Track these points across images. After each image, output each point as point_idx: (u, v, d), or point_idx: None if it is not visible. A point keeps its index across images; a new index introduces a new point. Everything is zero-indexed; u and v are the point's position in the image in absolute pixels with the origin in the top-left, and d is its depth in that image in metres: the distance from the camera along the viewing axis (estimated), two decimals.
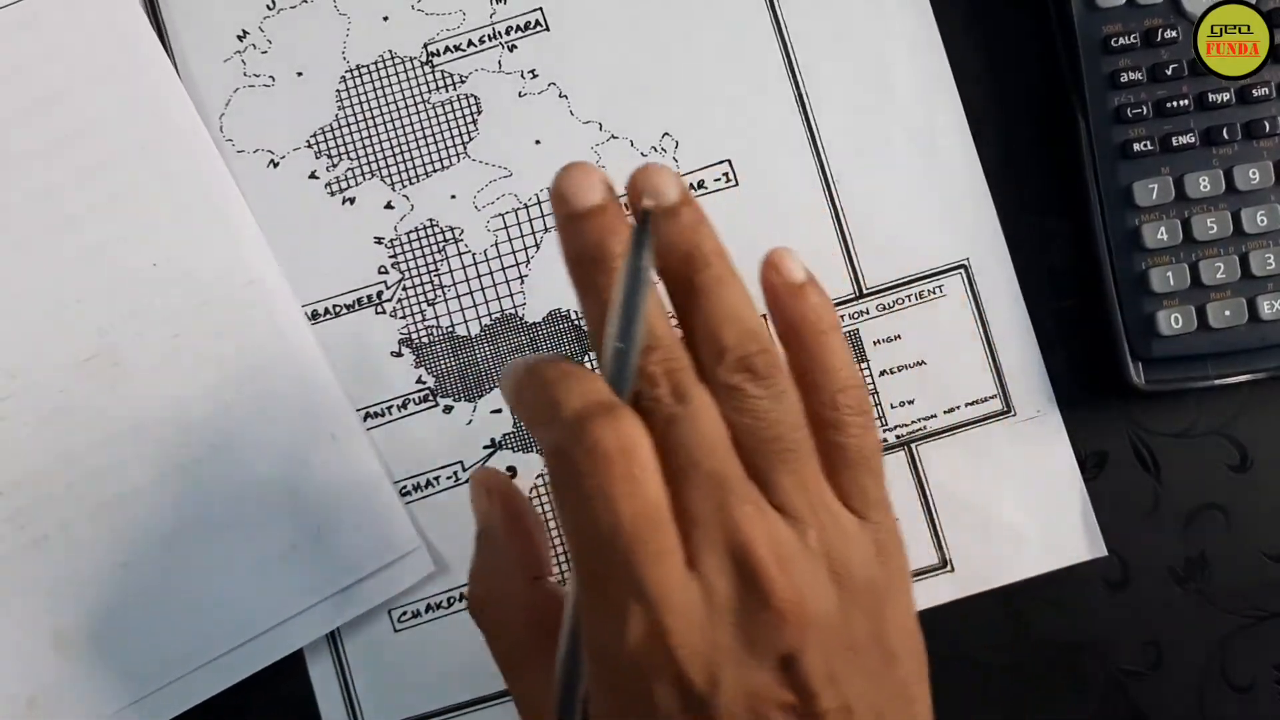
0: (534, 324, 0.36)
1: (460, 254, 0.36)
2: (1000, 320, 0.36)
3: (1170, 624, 0.36)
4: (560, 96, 0.36)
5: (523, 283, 0.36)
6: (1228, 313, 0.34)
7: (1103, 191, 0.35)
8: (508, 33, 0.36)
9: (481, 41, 0.36)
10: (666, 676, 0.25)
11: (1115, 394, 0.36)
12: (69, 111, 0.35)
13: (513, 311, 0.36)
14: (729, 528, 0.25)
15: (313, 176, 0.36)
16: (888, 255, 0.36)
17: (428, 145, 0.36)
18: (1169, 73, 0.34)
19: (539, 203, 0.36)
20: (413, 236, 0.36)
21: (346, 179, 0.36)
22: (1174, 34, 0.34)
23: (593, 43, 0.36)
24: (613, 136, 0.36)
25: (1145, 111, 0.35)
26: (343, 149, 0.36)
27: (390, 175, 0.36)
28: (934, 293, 0.36)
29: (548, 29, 0.36)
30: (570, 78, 0.36)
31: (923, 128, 0.36)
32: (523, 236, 0.36)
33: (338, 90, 0.36)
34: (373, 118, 0.36)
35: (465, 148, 0.36)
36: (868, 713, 0.27)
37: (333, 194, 0.36)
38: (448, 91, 0.36)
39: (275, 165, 0.36)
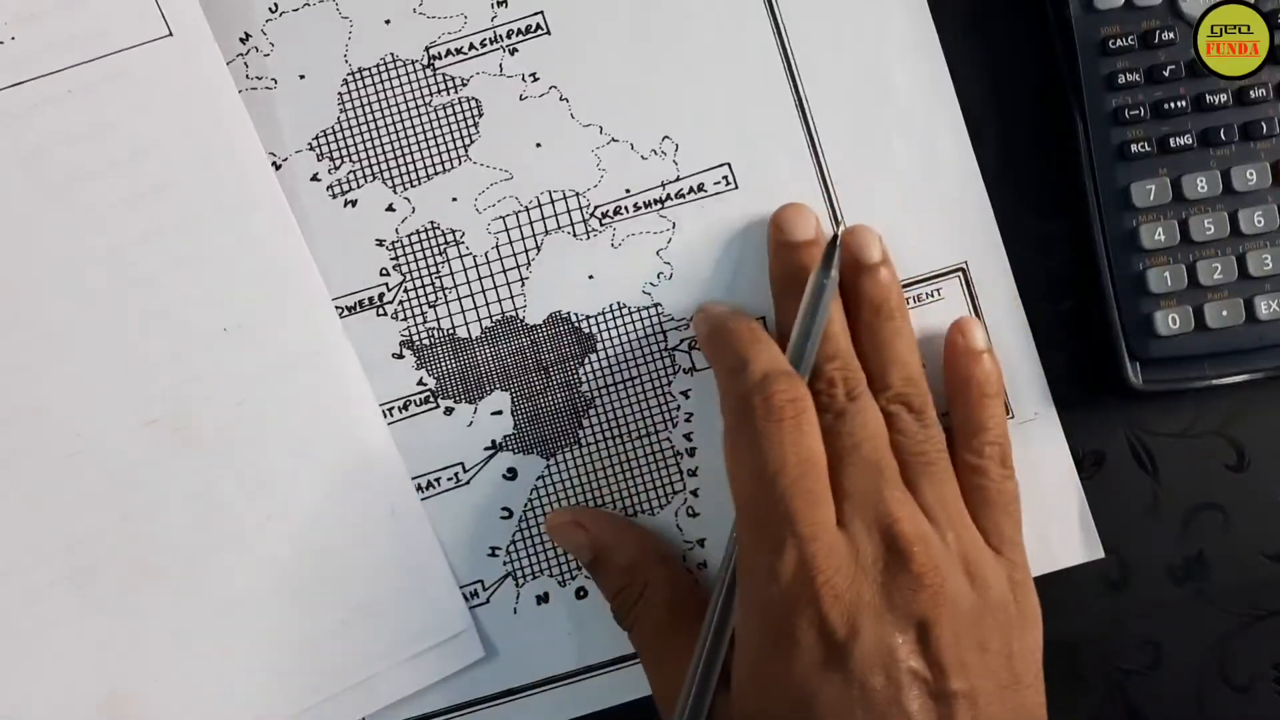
0: (534, 326, 0.36)
1: (461, 256, 0.36)
2: (998, 321, 0.36)
3: (1169, 624, 0.36)
4: (561, 100, 0.36)
5: (523, 285, 0.36)
6: (1225, 313, 0.35)
7: (1100, 193, 0.35)
8: (509, 36, 0.36)
9: (483, 45, 0.36)
10: (810, 615, 0.28)
11: (1113, 394, 0.36)
12: (148, 168, 0.35)
13: (513, 314, 0.36)
14: (879, 504, 0.29)
15: (314, 179, 0.36)
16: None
17: (429, 148, 0.36)
18: (1166, 74, 0.34)
19: (539, 205, 0.36)
20: (414, 239, 0.36)
21: (348, 182, 0.36)
22: (1171, 36, 0.34)
23: (593, 46, 0.36)
24: (613, 139, 0.36)
25: (1143, 113, 0.35)
26: (344, 152, 0.36)
27: (391, 178, 0.36)
28: (932, 296, 0.36)
29: (549, 32, 0.36)
30: (571, 81, 0.36)
31: (921, 131, 0.36)
32: (523, 239, 0.36)
33: (339, 93, 0.36)
34: (374, 120, 0.36)
35: (466, 150, 0.36)
36: (992, 717, 0.29)
37: (334, 196, 0.36)
38: (449, 94, 0.36)
39: (277, 168, 0.36)
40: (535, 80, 0.36)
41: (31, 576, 0.34)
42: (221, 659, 0.34)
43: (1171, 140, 0.35)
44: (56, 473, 0.34)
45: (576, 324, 0.36)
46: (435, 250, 0.36)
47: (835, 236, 0.33)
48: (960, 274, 0.36)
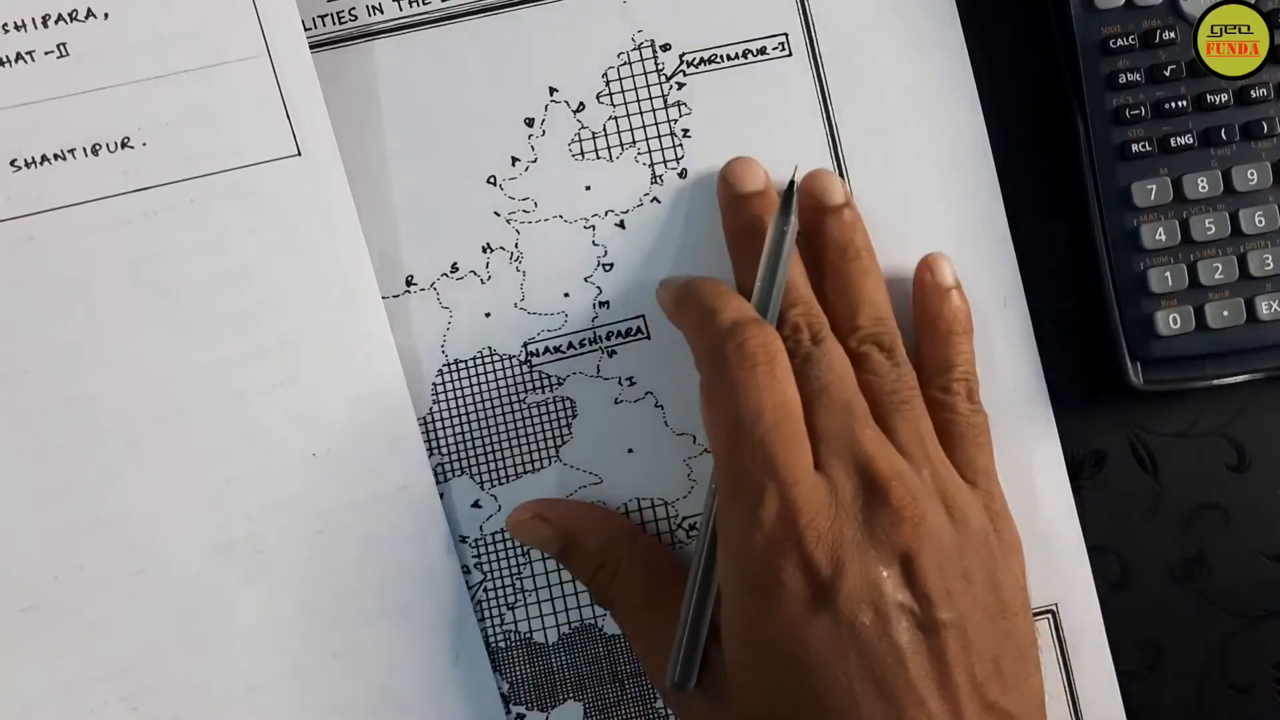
0: (612, 636, 0.36)
1: (544, 558, 0.36)
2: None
3: (1169, 624, 0.36)
4: (656, 406, 0.36)
5: None
6: (1226, 313, 0.35)
7: (1101, 192, 0.35)
8: (608, 338, 0.36)
9: (582, 345, 0.36)
10: (795, 557, 0.28)
11: (1114, 394, 0.36)
12: (257, 286, 0.34)
13: (592, 622, 0.36)
14: (853, 443, 0.29)
15: None
16: None
17: (520, 446, 0.36)
18: (1167, 74, 0.35)
19: (627, 513, 0.36)
20: (498, 537, 0.36)
21: (436, 474, 0.36)
22: (1172, 35, 0.34)
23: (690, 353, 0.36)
24: (705, 450, 0.36)
25: (1144, 112, 0.35)
26: (435, 443, 0.36)
27: (480, 474, 0.36)
28: None
29: (649, 337, 0.36)
30: (667, 387, 0.36)
31: None
32: None
33: (434, 383, 0.36)
34: (467, 414, 0.36)
35: (557, 451, 0.36)
36: (983, 646, 0.29)
37: None
38: (544, 392, 0.36)
39: None
40: (631, 384, 0.36)
41: (86, 694, 0.34)
42: None
43: (1172, 140, 0.35)
44: (122, 589, 0.34)
45: None
46: (519, 550, 0.36)
47: (792, 182, 0.32)
48: (1050, 616, 0.36)
